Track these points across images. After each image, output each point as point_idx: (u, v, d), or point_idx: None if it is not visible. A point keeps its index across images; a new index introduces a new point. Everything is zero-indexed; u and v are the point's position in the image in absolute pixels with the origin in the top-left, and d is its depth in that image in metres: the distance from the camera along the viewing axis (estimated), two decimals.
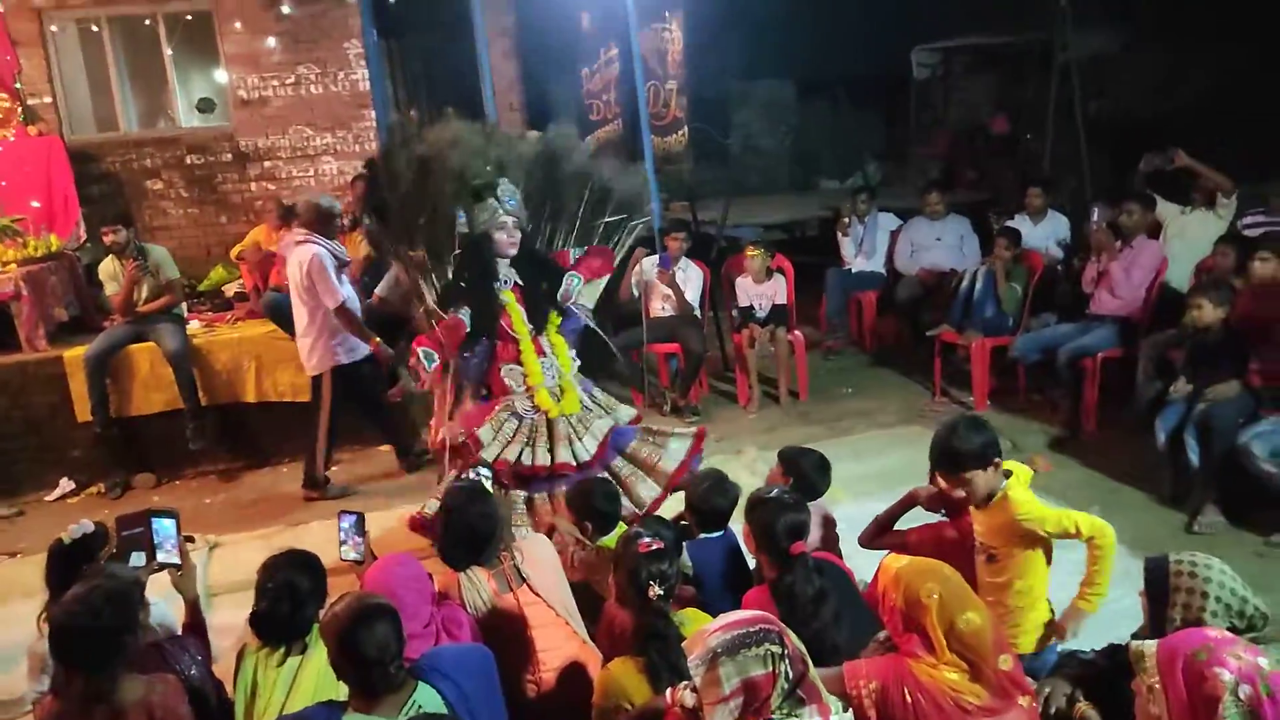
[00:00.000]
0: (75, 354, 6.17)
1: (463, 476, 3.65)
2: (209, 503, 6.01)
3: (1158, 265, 5.88)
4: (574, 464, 3.83)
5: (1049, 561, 3.03)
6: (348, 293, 5.52)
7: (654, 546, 2.59)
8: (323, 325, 5.54)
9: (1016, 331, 6.35)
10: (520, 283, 4.04)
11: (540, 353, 4.02)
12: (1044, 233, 7.05)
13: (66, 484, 6.23)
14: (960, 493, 2.94)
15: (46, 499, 6.16)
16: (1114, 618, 3.61)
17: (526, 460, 3.80)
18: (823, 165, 14.55)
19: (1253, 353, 4.62)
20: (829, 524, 3.46)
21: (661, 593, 2.51)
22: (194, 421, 6.20)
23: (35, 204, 7.05)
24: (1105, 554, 2.90)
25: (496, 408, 3.92)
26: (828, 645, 2.60)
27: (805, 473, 3.39)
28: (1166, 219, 6.22)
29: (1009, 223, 7.01)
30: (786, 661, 1.98)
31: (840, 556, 3.40)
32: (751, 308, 6.85)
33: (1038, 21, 8.99)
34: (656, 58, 7.20)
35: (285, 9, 7.96)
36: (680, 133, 7.16)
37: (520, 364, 3.98)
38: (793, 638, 2.05)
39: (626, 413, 4.17)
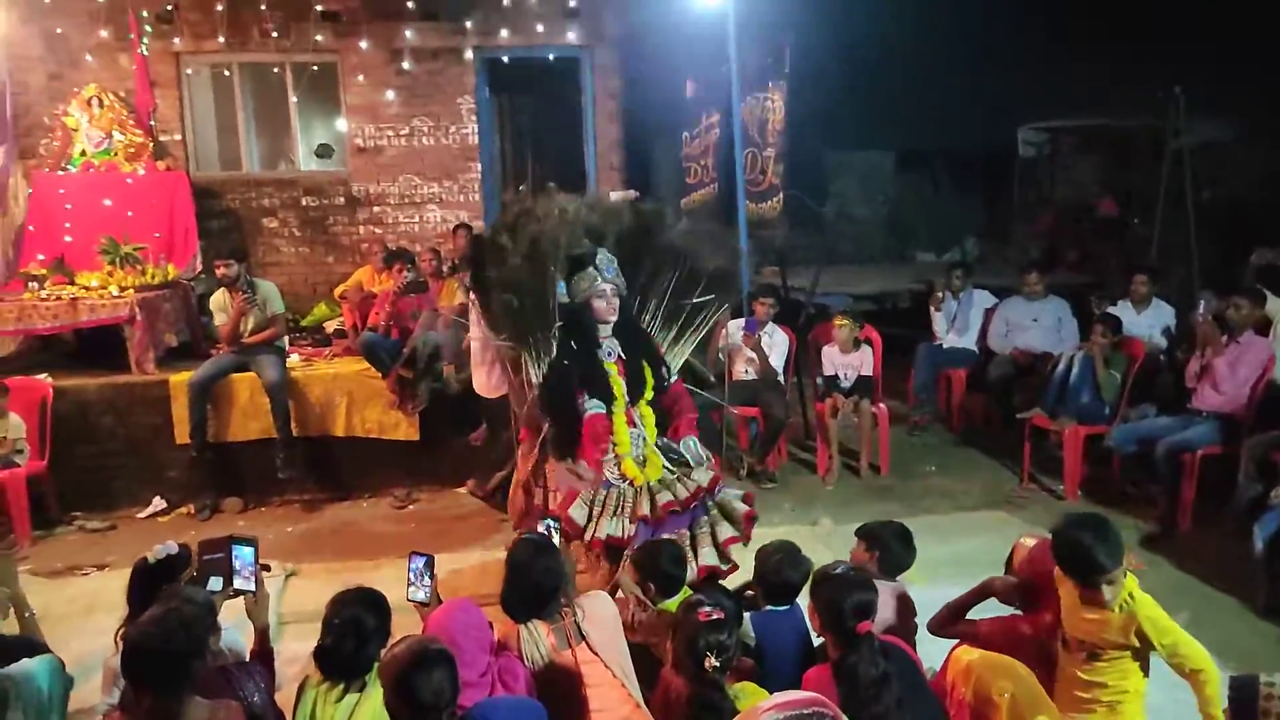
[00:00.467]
0: (180, 379, 6.46)
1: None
2: (290, 531, 6.18)
3: (1265, 362, 5.63)
4: (650, 515, 3.80)
5: (1146, 671, 2.88)
6: None
7: (714, 616, 2.56)
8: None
9: (1112, 420, 6.14)
10: (623, 355, 4.12)
11: (630, 423, 4.07)
12: (1148, 321, 6.83)
13: (159, 502, 6.49)
14: (1092, 609, 2.79)
15: (138, 516, 6.42)
16: None
17: (617, 532, 3.77)
18: (919, 238, 14.43)
19: None
20: (905, 604, 3.35)
21: (718, 664, 2.47)
22: (285, 451, 6.41)
23: (157, 234, 7.45)
24: (1214, 691, 2.74)
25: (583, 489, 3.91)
26: None
27: (889, 545, 3.31)
28: (1277, 315, 5.98)
29: (1110, 309, 6.82)
30: None
31: (915, 635, 3.31)
32: (836, 377, 6.78)
33: (1149, 106, 8.83)
34: (757, 126, 7.29)
35: (406, 65, 8.33)
36: (775, 199, 7.20)
37: (611, 432, 4.02)
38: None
39: (705, 475, 4.13)
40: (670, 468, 4.08)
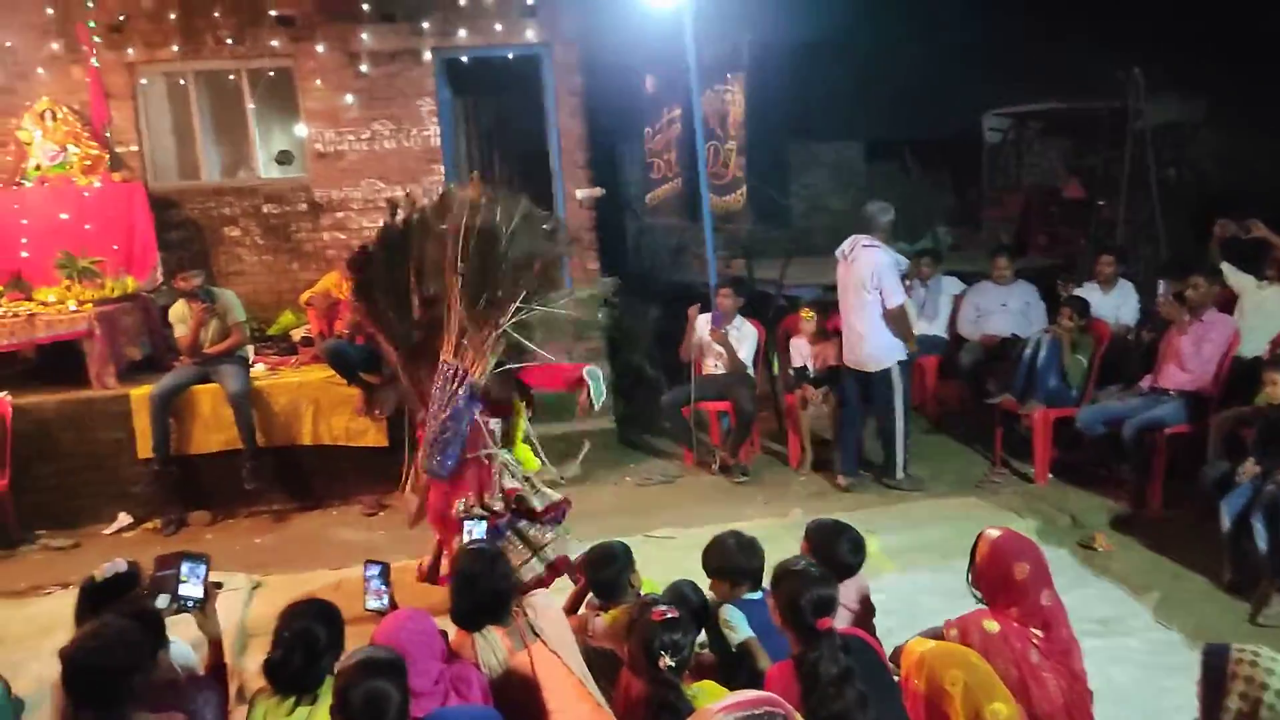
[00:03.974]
0: (141, 392, 6.37)
1: (465, 531, 3.79)
2: (259, 542, 6.11)
3: (1229, 339, 5.65)
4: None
5: None
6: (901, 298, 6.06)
7: (669, 615, 2.52)
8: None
9: (1081, 402, 6.14)
10: None
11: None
12: (1114, 302, 6.86)
13: (124, 518, 6.40)
14: None
15: (104, 532, 6.32)
16: (1168, 712, 3.43)
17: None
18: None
19: None
20: (864, 601, 3.32)
21: (673, 664, 2.43)
22: (251, 462, 6.34)
23: (115, 247, 7.33)
24: None
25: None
26: None
27: (832, 547, 3.24)
28: (1243, 291, 6.00)
29: (1078, 291, 6.83)
30: None
31: (874, 634, 3.26)
32: (805, 368, 6.76)
33: (1111, 88, 8.86)
34: (717, 119, 7.25)
35: (364, 68, 8.23)
36: (739, 192, 7.15)
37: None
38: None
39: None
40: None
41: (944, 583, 4.22)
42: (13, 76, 7.81)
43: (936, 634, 2.81)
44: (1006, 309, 7.23)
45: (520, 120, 9.49)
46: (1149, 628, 4.21)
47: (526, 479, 4.35)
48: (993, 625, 2.81)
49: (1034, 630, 2.77)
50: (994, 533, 3.00)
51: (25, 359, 7.15)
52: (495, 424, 4.38)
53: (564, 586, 4.04)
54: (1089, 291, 6.84)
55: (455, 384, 4.18)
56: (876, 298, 5.96)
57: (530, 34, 8.26)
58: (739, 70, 7.03)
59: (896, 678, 2.66)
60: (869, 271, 5.94)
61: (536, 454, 4.76)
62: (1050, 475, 6.18)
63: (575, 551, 4.22)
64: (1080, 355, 6.24)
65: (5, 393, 6.37)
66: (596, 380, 4.42)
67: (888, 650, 2.90)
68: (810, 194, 14.29)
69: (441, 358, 4.23)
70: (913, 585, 4.64)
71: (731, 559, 3.19)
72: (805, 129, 13.21)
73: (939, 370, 7.49)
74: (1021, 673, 2.66)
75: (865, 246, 6.00)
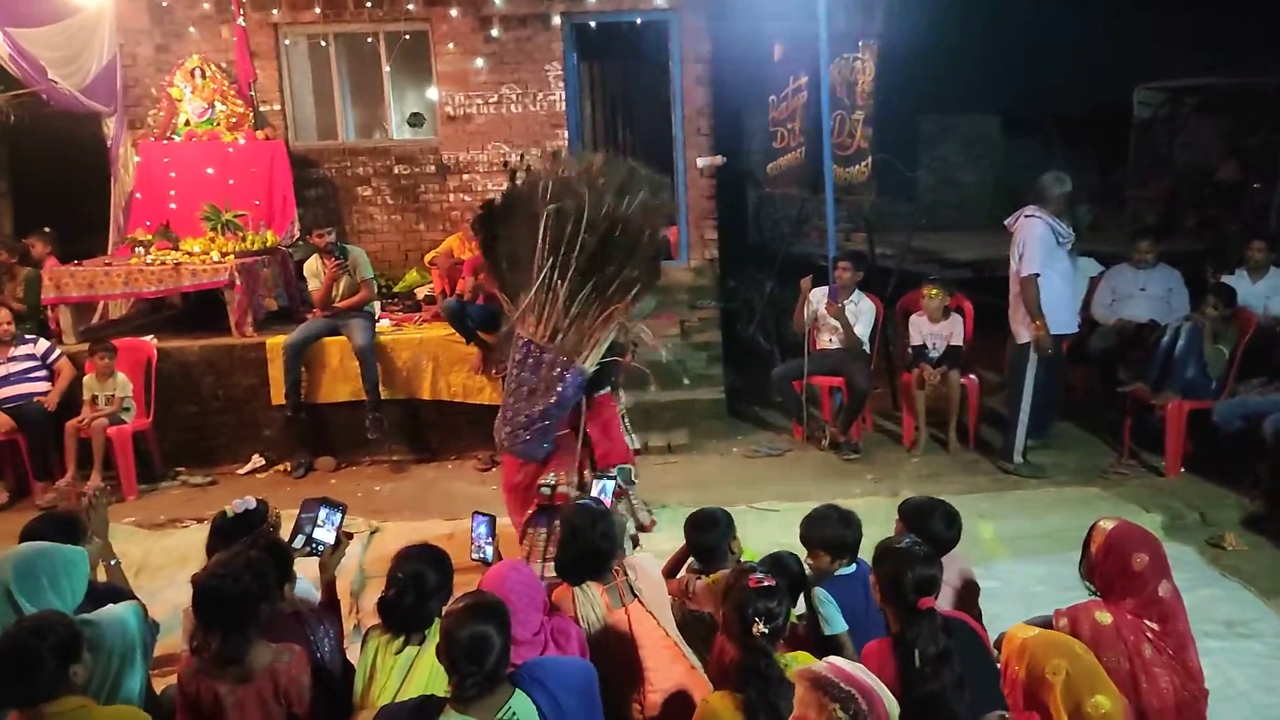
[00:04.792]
0: (276, 341, 6.69)
1: (597, 489, 3.76)
2: (378, 490, 6.36)
3: None
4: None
5: None
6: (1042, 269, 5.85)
7: (764, 583, 2.52)
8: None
9: (1219, 395, 5.80)
10: None
11: None
12: (1263, 290, 6.42)
13: (257, 460, 6.76)
14: None
15: (238, 472, 6.70)
16: None
17: None
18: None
19: None
20: (967, 583, 3.24)
21: (766, 630, 2.44)
22: (373, 413, 6.60)
23: (257, 202, 7.71)
24: None
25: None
26: (945, 711, 2.44)
27: (926, 525, 3.17)
28: None
29: (1227, 278, 6.43)
30: None
31: (980, 618, 3.19)
32: (924, 346, 6.59)
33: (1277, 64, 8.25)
34: (845, 88, 7.07)
35: (495, 32, 8.37)
36: (864, 163, 6.98)
37: None
38: (886, 711, 1.95)
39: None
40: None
41: (1058, 572, 4.07)
42: (168, 35, 8.25)
43: (1045, 622, 2.73)
44: (1145, 293, 6.85)
45: (644, 86, 9.50)
46: (1277, 633, 3.98)
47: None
48: (1105, 616, 2.71)
49: (1149, 623, 2.65)
50: (1109, 523, 2.88)
51: (172, 306, 7.64)
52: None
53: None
54: (1237, 279, 6.43)
55: (557, 369, 4.08)
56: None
57: None
58: (871, 38, 6.83)
59: (999, 665, 2.60)
60: (1019, 238, 5.89)
61: (627, 431, 4.65)
62: (1181, 469, 5.87)
63: (647, 519, 4.26)
64: (1222, 345, 5.89)
65: (152, 337, 6.80)
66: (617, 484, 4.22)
67: (992, 637, 2.83)
68: (940, 167, 13.84)
69: (531, 336, 4.13)
70: (1025, 573, 4.51)
71: (831, 531, 3.17)
72: (939, 99, 12.76)
73: (1067, 355, 7.17)
74: (1133, 666, 2.56)
75: (1027, 216, 5.93)
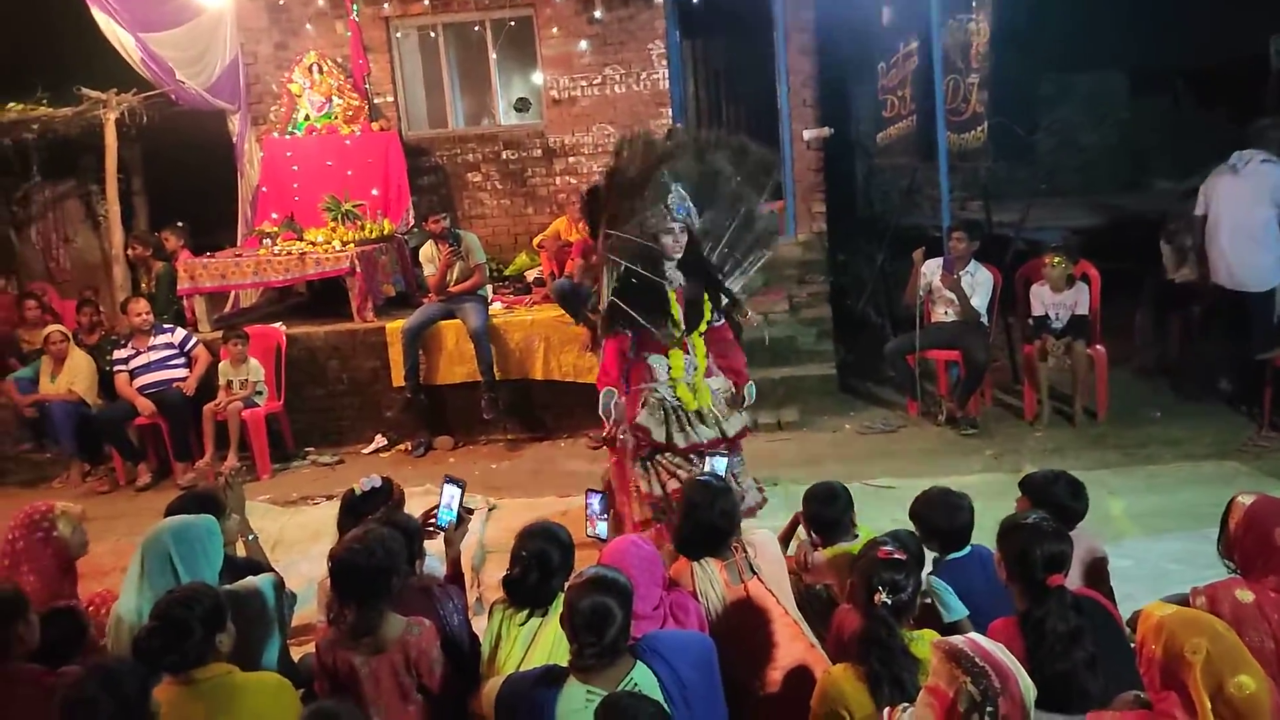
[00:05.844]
0: (395, 326, 6.92)
1: (707, 464, 3.81)
2: (494, 468, 6.53)
3: None
4: (702, 442, 4.06)
5: None
6: None
7: (894, 555, 2.50)
8: None
9: None
10: (683, 284, 4.20)
11: (685, 350, 4.21)
12: None
13: (380, 440, 7.03)
14: None
15: (363, 451, 6.98)
16: None
17: (680, 442, 4.06)
18: (1157, 165, 13.13)
19: None
20: (1098, 560, 3.13)
21: (889, 600, 2.41)
22: (488, 394, 6.76)
23: (374, 192, 7.96)
24: None
25: (641, 396, 4.15)
26: (1076, 691, 2.38)
27: (1053, 497, 3.06)
28: None
29: None
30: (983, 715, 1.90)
31: (1112, 597, 3.07)
32: (1047, 317, 6.35)
33: None
34: (959, 51, 6.83)
35: (598, 13, 8.39)
36: (979, 128, 6.74)
37: (667, 356, 4.18)
38: (1020, 692, 1.92)
39: (735, 425, 4.23)
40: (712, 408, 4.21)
41: (1194, 550, 3.91)
42: (285, 33, 8.56)
43: (1182, 601, 2.62)
44: None
45: (747, 60, 9.38)
46: None
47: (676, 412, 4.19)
48: (1246, 595, 2.58)
49: None
50: (1248, 498, 2.74)
51: (298, 293, 7.98)
52: (656, 360, 4.23)
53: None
54: None
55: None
56: (1274, 214, 5.92)
57: None
58: None
59: (1133, 644, 2.50)
60: (1272, 183, 5.94)
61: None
62: None
63: (753, 500, 4.22)
64: None
65: (280, 323, 7.13)
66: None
67: (1125, 616, 2.74)
68: (1060, 129, 13.20)
69: None
70: (1159, 551, 4.32)
71: (940, 518, 3.11)
72: (1059, 58, 12.18)
73: (1203, 323, 6.80)
74: (1278, 647, 2.44)
75: (1265, 161, 6.01)
